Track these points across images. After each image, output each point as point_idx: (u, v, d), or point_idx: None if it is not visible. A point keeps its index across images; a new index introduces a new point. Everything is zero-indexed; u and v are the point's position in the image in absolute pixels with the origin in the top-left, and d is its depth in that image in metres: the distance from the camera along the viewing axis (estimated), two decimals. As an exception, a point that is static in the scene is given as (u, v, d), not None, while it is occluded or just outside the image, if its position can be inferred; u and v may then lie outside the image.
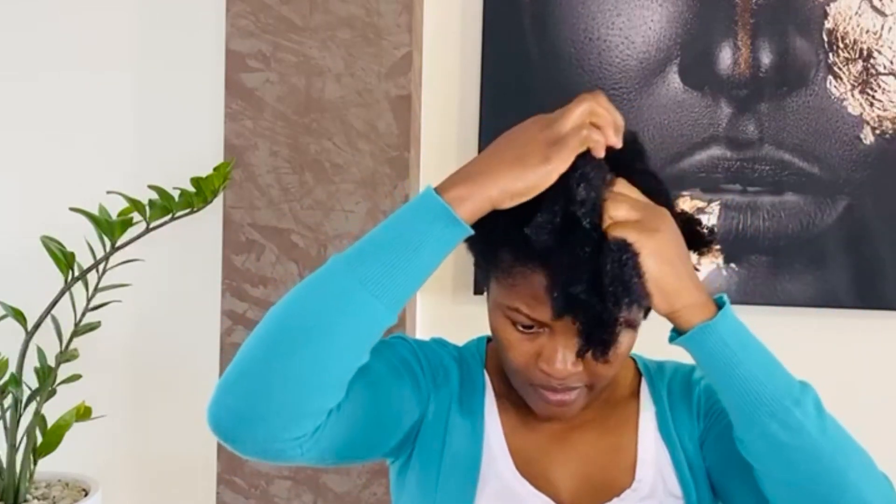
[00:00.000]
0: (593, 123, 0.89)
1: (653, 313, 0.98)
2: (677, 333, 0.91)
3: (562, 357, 0.93)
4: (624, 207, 0.89)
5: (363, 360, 0.88)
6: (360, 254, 0.88)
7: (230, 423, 0.87)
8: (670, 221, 0.90)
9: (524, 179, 0.87)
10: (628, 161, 0.94)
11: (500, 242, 0.93)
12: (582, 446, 1.04)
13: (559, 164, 0.87)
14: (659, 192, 0.94)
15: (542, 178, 0.87)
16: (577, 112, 0.89)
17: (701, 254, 0.99)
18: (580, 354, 0.92)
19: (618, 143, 0.89)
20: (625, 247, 0.86)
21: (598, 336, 0.90)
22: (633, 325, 0.95)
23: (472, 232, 0.87)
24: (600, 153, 0.88)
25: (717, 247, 1.81)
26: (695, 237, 0.98)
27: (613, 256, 0.86)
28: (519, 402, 1.03)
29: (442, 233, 0.86)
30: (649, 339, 1.10)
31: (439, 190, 0.88)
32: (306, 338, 0.85)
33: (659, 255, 0.87)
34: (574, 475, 1.03)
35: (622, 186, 0.91)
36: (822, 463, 0.88)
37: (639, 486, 1.01)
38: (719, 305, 0.90)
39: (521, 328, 0.95)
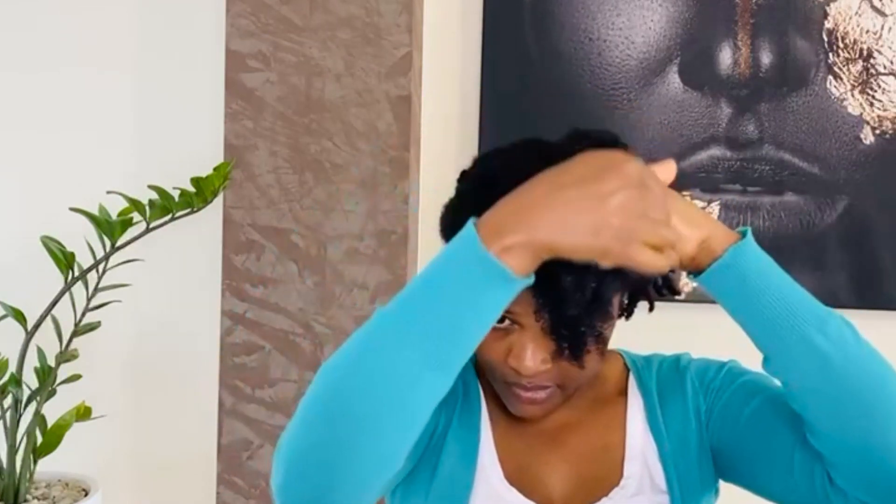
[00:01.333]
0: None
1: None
2: (695, 275, 0.89)
3: (530, 354, 0.92)
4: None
5: (424, 424, 0.84)
6: (412, 319, 0.80)
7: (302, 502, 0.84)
8: None
9: (574, 248, 0.78)
10: None
11: None
12: (571, 446, 1.04)
13: (611, 262, 0.79)
14: None
15: (588, 257, 0.78)
16: (666, 260, 0.80)
17: None
18: (556, 356, 0.91)
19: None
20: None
21: (570, 336, 0.89)
22: (603, 338, 0.94)
23: (529, 283, 0.79)
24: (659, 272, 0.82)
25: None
26: None
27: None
28: None
29: (496, 295, 0.79)
30: (644, 338, 1.10)
31: (486, 234, 0.77)
32: (374, 421, 0.80)
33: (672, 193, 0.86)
34: (564, 476, 1.03)
35: None
36: (864, 370, 0.88)
37: (627, 483, 1.01)
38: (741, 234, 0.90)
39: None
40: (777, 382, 0.93)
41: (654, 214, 0.78)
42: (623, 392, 1.06)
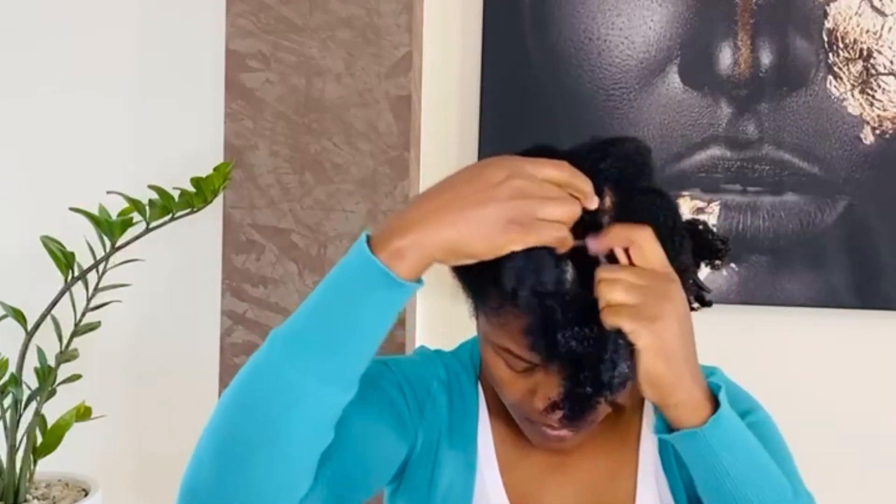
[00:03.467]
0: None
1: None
2: (664, 424, 0.86)
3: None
4: (619, 290, 0.80)
5: (327, 442, 0.81)
6: (299, 334, 0.79)
7: None
8: (676, 300, 0.82)
9: (473, 245, 0.76)
10: (630, 179, 0.88)
11: (488, 278, 0.85)
12: (580, 471, 1.00)
13: (517, 245, 0.77)
14: (663, 209, 0.87)
15: (493, 250, 0.77)
16: (565, 209, 0.79)
17: (714, 267, 0.94)
18: (551, 409, 0.86)
19: (591, 204, 0.81)
20: (618, 335, 0.80)
21: (575, 405, 0.84)
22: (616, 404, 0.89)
23: (418, 287, 0.79)
24: (563, 249, 0.80)
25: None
26: (707, 249, 0.93)
27: (609, 343, 0.80)
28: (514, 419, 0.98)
29: (382, 298, 0.77)
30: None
31: (376, 243, 0.77)
32: (259, 440, 0.78)
33: (654, 349, 0.80)
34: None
35: (645, 236, 0.82)
36: None
37: None
38: (715, 399, 0.85)
39: (513, 368, 0.90)
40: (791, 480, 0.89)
41: (541, 192, 0.78)
42: (638, 406, 1.02)
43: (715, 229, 0.99)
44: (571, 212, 0.79)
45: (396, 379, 0.99)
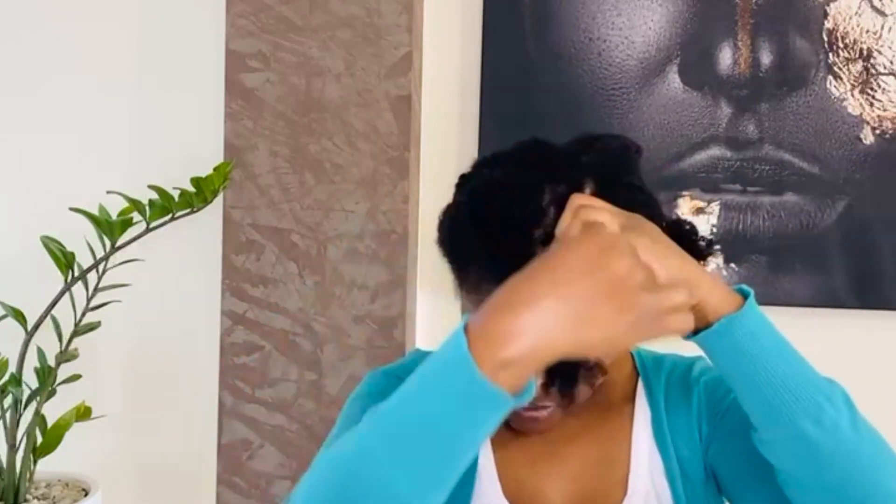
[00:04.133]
0: None
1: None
2: (693, 332, 0.84)
3: None
4: (608, 213, 0.81)
5: None
6: (399, 438, 0.73)
7: None
8: (639, 217, 0.84)
9: (595, 349, 0.72)
10: (613, 174, 0.89)
11: (468, 258, 0.88)
12: (574, 460, 1.01)
13: (642, 343, 0.76)
14: (644, 206, 0.88)
15: (614, 351, 0.77)
16: (687, 294, 0.76)
17: None
18: (545, 388, 0.87)
19: None
20: None
21: (562, 369, 0.82)
22: (603, 369, 0.90)
23: (528, 398, 0.72)
24: (685, 334, 0.80)
25: (717, 247, 1.81)
26: (690, 250, 0.90)
27: None
28: None
29: (487, 413, 0.71)
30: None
31: (480, 349, 0.69)
32: None
33: (656, 246, 0.81)
34: (565, 492, 1.00)
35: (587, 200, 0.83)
36: (856, 463, 0.82)
37: (631, 500, 0.98)
38: (743, 296, 0.84)
39: None
40: None
41: (664, 281, 0.76)
42: (630, 398, 1.03)
43: (714, 228, 0.99)
44: (691, 296, 0.77)
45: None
